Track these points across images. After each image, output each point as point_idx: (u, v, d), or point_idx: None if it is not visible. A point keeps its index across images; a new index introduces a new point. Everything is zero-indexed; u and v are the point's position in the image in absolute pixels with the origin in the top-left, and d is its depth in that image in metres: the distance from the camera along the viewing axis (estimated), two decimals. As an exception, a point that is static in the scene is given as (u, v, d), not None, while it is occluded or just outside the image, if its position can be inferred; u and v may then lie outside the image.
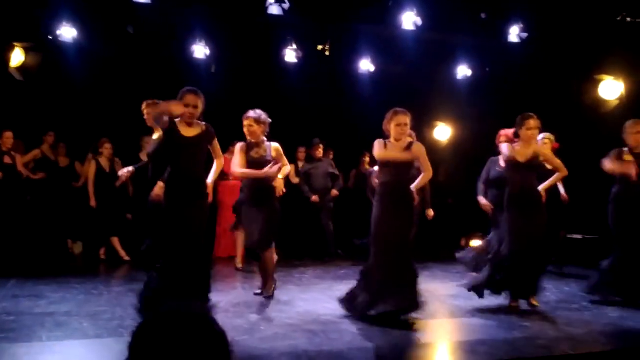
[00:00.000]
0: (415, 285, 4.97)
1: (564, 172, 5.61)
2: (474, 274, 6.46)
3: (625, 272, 5.68)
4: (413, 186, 5.15)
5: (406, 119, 5.09)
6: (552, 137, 6.77)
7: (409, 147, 5.11)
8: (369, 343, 4.28)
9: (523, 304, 5.53)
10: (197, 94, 4.93)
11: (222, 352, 1.36)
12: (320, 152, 9.15)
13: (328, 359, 3.91)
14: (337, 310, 5.15)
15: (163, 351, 1.30)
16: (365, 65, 9.34)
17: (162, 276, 4.73)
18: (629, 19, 7.87)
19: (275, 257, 6.00)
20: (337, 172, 9.26)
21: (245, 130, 5.72)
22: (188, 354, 1.30)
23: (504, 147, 5.56)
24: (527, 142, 5.46)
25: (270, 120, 5.79)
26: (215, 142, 5.09)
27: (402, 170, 5.08)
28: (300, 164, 9.39)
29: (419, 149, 5.12)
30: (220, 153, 5.26)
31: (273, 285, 5.93)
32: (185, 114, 4.85)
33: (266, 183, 5.67)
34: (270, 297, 5.80)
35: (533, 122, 5.42)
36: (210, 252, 8.43)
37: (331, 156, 9.45)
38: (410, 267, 4.99)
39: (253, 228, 5.65)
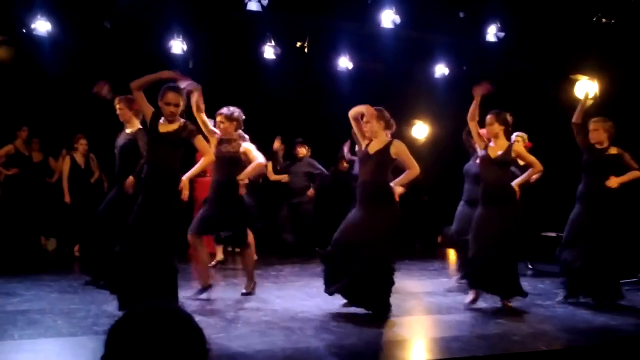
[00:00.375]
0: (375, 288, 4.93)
1: (539, 167, 5.60)
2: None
3: (590, 273, 5.61)
4: (394, 182, 5.15)
5: (371, 118, 5.10)
6: (524, 135, 6.79)
7: (387, 146, 5.12)
8: (345, 340, 4.28)
9: (492, 302, 5.57)
10: (179, 91, 4.87)
11: (199, 350, 1.35)
12: (302, 151, 9.08)
13: (305, 356, 3.91)
14: (314, 307, 5.16)
15: (140, 348, 1.29)
16: (344, 63, 9.35)
17: (119, 267, 4.71)
18: (604, 20, 7.98)
19: (255, 257, 5.99)
20: (317, 171, 9.05)
21: (217, 126, 5.72)
22: (165, 352, 1.29)
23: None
24: (495, 139, 5.53)
25: (244, 117, 5.76)
26: (198, 139, 4.93)
27: (380, 169, 5.09)
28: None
29: (399, 147, 5.12)
30: (207, 150, 5.07)
31: (252, 284, 5.91)
32: (167, 113, 4.80)
33: (232, 180, 5.62)
34: (248, 295, 5.78)
35: (489, 119, 5.56)
36: (185, 250, 8.36)
37: (309, 154, 9.39)
38: (378, 268, 4.94)
39: (211, 216, 5.59)
